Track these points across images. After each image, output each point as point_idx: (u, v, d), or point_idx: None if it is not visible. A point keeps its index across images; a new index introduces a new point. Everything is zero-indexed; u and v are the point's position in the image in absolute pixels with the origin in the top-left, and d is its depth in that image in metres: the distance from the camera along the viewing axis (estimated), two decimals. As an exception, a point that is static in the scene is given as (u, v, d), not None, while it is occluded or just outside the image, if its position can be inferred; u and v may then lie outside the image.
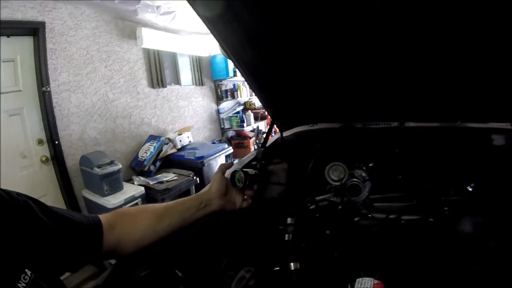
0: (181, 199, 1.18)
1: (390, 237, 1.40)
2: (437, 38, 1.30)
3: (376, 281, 0.90)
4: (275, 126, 2.24)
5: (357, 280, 0.92)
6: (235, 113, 7.37)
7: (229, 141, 7.00)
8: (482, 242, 1.26)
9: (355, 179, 1.59)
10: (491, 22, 1.15)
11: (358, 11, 1.24)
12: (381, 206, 1.64)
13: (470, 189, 1.53)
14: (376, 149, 1.98)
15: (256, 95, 2.04)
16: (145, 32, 4.73)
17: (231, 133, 7.34)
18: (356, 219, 1.58)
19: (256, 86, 1.87)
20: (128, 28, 4.72)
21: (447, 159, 1.82)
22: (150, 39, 4.84)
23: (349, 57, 1.55)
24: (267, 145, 2.12)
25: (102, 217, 0.96)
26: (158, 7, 4.31)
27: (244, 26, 1.45)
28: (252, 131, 7.41)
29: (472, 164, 1.73)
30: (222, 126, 7.20)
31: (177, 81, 6.02)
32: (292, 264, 1.20)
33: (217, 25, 1.41)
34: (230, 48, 1.57)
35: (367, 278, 0.92)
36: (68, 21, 3.90)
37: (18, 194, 0.75)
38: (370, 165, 1.75)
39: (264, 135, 2.17)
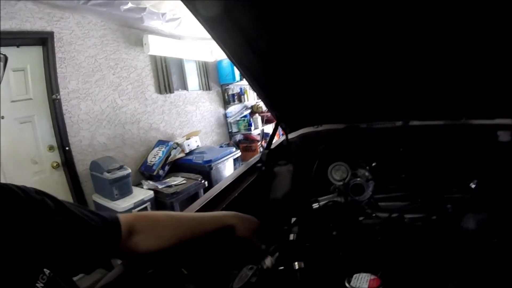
0: (203, 217, 1.23)
1: (394, 235, 1.41)
2: (440, 37, 1.32)
3: (372, 277, 0.91)
4: (280, 128, 2.26)
5: (354, 275, 0.93)
6: (243, 117, 7.40)
7: (237, 144, 7.02)
8: (485, 238, 1.27)
9: (358, 179, 1.60)
10: (493, 19, 1.17)
11: (360, 13, 1.27)
12: (385, 205, 1.65)
13: (473, 186, 1.53)
14: (380, 149, 1.99)
15: (260, 98, 2.06)
16: (151, 39, 4.82)
17: (239, 137, 7.36)
18: (360, 218, 1.58)
19: (259, 89, 1.90)
20: (135, 36, 4.81)
21: (451, 156, 1.83)
22: (157, 46, 4.92)
23: (352, 58, 1.57)
24: (273, 147, 2.15)
25: (124, 219, 0.96)
26: (163, 14, 4.39)
27: (243, 31, 1.48)
28: (260, 134, 7.43)
29: (476, 161, 1.73)
30: (230, 130, 7.24)
31: (184, 87, 6.09)
32: (296, 263, 1.22)
33: (217, 30, 1.44)
34: (231, 52, 1.60)
35: (364, 274, 0.93)
36: (76, 30, 4.00)
37: (37, 192, 0.76)
38: (373, 164, 1.77)
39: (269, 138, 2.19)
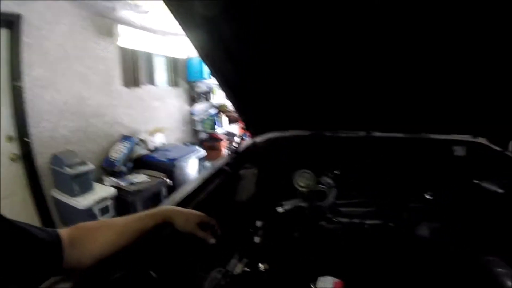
0: (141, 214, 1.22)
1: (354, 240, 1.53)
2: (403, 57, 1.44)
3: (336, 280, 0.99)
4: (247, 131, 2.32)
5: (319, 278, 1.01)
6: (209, 116, 7.40)
7: (201, 143, 7.02)
8: (436, 245, 1.42)
9: (322, 186, 1.74)
10: (454, 44, 1.29)
11: (332, 31, 1.36)
12: (346, 211, 1.78)
13: (428, 197, 1.68)
14: (343, 157, 2.16)
15: (229, 100, 2.10)
16: (122, 30, 4.73)
17: (203, 135, 7.36)
18: (322, 223, 1.69)
19: (229, 91, 1.95)
20: (106, 26, 4.67)
21: (409, 168, 2.02)
22: (127, 38, 4.84)
23: (319, 69, 1.67)
24: (240, 150, 2.22)
25: (63, 232, 0.97)
26: (136, 5, 4.32)
27: (220, 35, 1.53)
28: (225, 134, 7.46)
29: (433, 173, 1.93)
30: (195, 128, 7.22)
31: (152, 81, 5.99)
32: (261, 265, 1.29)
33: (193, 31, 1.48)
34: (205, 55, 1.64)
35: (328, 277, 1.01)
36: (46, 14, 3.84)
37: None
38: (336, 172, 1.92)
39: (236, 140, 2.26)
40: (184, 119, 6.90)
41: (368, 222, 1.65)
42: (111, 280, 1.06)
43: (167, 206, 1.36)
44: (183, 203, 1.54)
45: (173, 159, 4.91)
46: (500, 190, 1.61)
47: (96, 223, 1.19)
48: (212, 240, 1.31)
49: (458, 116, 1.85)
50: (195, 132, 7.24)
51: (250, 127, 2.29)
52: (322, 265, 1.31)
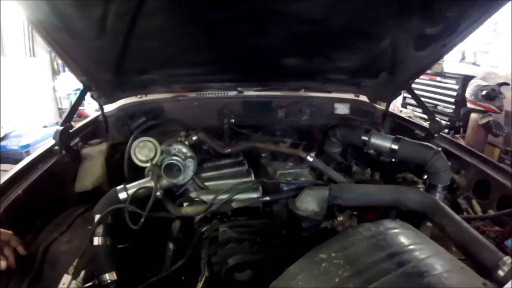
0: None
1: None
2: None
3: None
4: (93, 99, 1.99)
5: None
6: (75, 90, 6.78)
7: (69, 123, 6.48)
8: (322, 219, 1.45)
9: (174, 157, 1.49)
10: None
11: None
12: (214, 184, 1.63)
13: (311, 159, 1.66)
14: (209, 120, 2.15)
15: (61, 60, 1.69)
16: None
17: (71, 114, 6.78)
18: (185, 204, 1.51)
19: (57, 49, 1.56)
20: None
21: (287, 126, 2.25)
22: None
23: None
24: (85, 122, 2.09)
25: None
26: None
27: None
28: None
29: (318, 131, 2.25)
30: (60, 106, 6.68)
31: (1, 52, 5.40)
32: (107, 275, 1.14)
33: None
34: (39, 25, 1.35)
35: None
36: None
37: None
38: (194, 138, 1.70)
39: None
40: (45, 96, 6.32)
41: (241, 197, 1.50)
42: None
43: None
44: None
45: (27, 146, 4.57)
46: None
47: None
48: (3, 264, 1.06)
49: (338, 74, 2.06)
50: (61, 111, 6.66)
51: (94, 93, 1.87)
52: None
